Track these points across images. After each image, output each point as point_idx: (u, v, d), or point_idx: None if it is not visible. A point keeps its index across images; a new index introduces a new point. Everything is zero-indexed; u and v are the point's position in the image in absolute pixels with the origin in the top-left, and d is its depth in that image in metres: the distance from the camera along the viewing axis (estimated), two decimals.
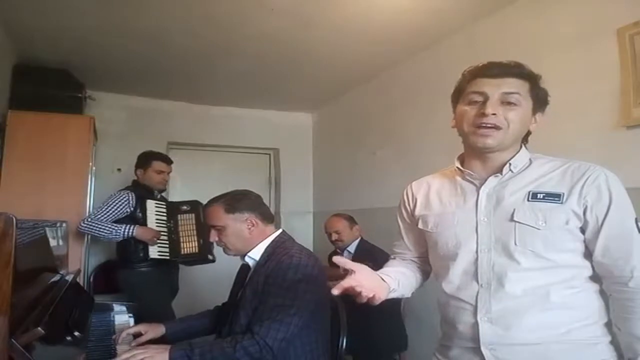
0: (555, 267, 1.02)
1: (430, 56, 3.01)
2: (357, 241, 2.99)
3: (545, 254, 1.02)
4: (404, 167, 3.31)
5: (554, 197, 1.03)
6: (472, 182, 1.14)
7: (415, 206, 1.25)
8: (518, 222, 1.04)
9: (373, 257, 2.77)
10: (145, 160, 3.06)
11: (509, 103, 1.05)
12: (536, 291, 1.02)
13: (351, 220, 3.02)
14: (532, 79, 1.09)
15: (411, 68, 3.26)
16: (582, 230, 1.03)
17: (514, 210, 1.05)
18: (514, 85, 1.06)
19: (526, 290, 1.02)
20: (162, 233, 2.95)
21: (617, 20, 1.90)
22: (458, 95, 1.15)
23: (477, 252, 1.08)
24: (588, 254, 1.04)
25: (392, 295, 1.16)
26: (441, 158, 2.83)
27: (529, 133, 1.13)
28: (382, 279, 1.13)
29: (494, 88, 1.06)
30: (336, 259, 1.08)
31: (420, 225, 1.22)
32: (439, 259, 1.18)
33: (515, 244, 1.03)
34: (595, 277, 1.06)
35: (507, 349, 1.04)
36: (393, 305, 2.73)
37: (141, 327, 1.70)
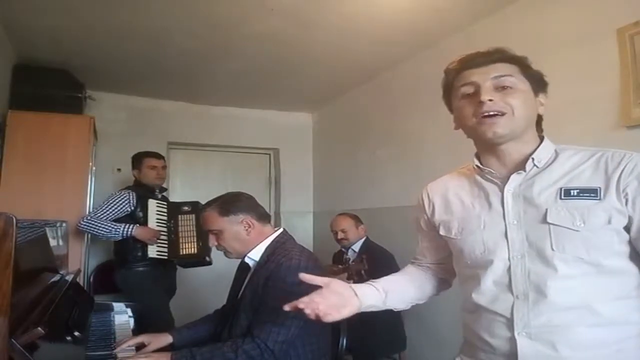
0: (602, 273, 0.91)
1: (430, 56, 3.01)
2: (362, 240, 2.99)
3: (590, 259, 0.90)
4: (404, 167, 3.31)
5: (589, 192, 0.91)
6: (493, 182, 1.03)
7: (433, 211, 1.15)
8: (552, 224, 0.92)
9: (376, 256, 2.78)
10: (137, 160, 3.09)
11: (504, 87, 0.97)
12: (582, 303, 0.90)
13: (357, 220, 3.03)
14: (518, 61, 1.02)
15: (411, 68, 3.26)
16: (628, 229, 0.90)
17: (547, 210, 0.94)
18: (503, 69, 0.99)
19: (571, 301, 0.91)
20: (162, 233, 2.95)
21: (617, 20, 1.90)
22: (448, 94, 1.08)
23: (509, 259, 0.97)
24: (635, 256, 0.92)
25: (370, 310, 1.10)
26: (441, 158, 2.85)
27: (540, 119, 1.04)
28: (356, 294, 1.06)
29: (483, 76, 0.99)
30: (303, 276, 1.05)
31: (442, 232, 1.11)
32: (466, 267, 1.08)
33: (552, 249, 0.92)
34: None
35: None
36: None
37: (145, 338, 1.65)
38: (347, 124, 4.19)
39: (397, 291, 1.15)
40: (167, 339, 1.70)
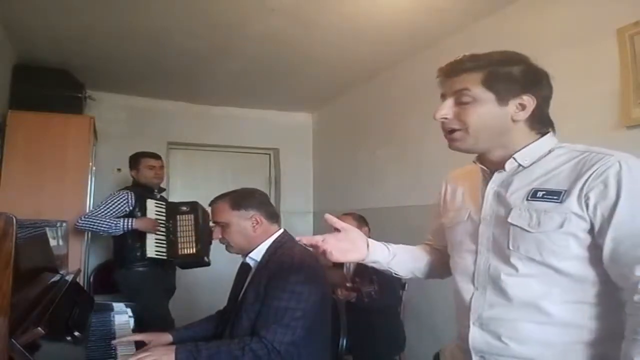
0: (558, 275, 0.91)
1: (430, 56, 3.01)
2: None
3: (542, 260, 0.92)
4: (404, 167, 3.31)
5: (553, 195, 0.92)
6: (485, 178, 1.07)
7: (444, 198, 1.21)
8: (511, 223, 0.95)
9: None
10: (134, 160, 3.09)
11: (463, 103, 0.99)
12: (532, 301, 0.93)
13: (361, 221, 2.91)
14: (487, 66, 0.98)
15: (411, 68, 3.26)
16: (592, 233, 0.89)
17: (511, 210, 0.97)
18: (463, 82, 0.98)
19: (520, 298, 0.94)
20: (161, 233, 2.95)
21: (617, 20, 1.90)
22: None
23: (476, 252, 1.03)
24: (598, 262, 0.90)
25: (373, 264, 1.18)
26: (442, 157, 2.83)
27: (534, 117, 0.99)
28: (367, 246, 1.14)
29: (449, 89, 1.01)
30: (327, 217, 1.13)
31: (443, 219, 1.19)
32: (451, 255, 1.15)
33: (509, 247, 0.96)
34: (608, 291, 0.91)
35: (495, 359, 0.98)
36: (392, 306, 2.73)
37: (145, 336, 1.65)
38: (347, 124, 4.19)
39: (404, 259, 1.22)
40: (166, 338, 1.69)
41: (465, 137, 0.99)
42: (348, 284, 2.59)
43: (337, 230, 1.11)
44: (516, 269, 0.94)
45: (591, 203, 0.88)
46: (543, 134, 1.01)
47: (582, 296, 0.91)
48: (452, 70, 1.01)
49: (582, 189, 0.89)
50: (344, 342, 1.78)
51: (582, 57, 2.06)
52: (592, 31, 2.02)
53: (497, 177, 1.03)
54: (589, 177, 0.88)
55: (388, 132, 3.53)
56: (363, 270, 2.63)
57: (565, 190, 0.91)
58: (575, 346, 0.91)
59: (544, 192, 0.94)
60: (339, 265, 3.02)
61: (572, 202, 0.89)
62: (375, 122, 3.72)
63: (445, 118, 1.01)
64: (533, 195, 0.95)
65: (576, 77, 2.08)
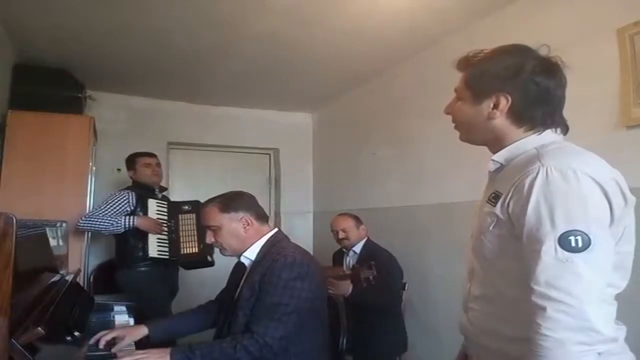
0: (502, 274, 0.96)
1: (430, 56, 3.01)
2: (363, 241, 2.93)
3: (486, 258, 0.98)
4: (404, 167, 3.31)
5: (495, 199, 0.95)
6: None
7: None
8: (473, 224, 1.04)
9: (378, 258, 2.77)
10: (130, 161, 3.10)
11: (457, 99, 1.06)
12: (488, 296, 1.00)
13: (357, 220, 2.97)
14: (474, 65, 1.02)
15: (411, 68, 3.26)
16: (516, 237, 0.91)
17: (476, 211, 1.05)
18: (460, 79, 1.06)
19: (481, 292, 1.02)
20: (163, 232, 2.93)
21: (617, 20, 1.90)
22: None
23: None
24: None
25: None
26: (443, 157, 2.85)
27: (515, 116, 0.98)
28: None
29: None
30: None
31: None
32: None
33: (473, 245, 1.04)
34: None
35: (471, 344, 1.08)
36: (393, 307, 2.72)
37: (119, 332, 1.66)
38: (347, 124, 4.19)
39: None
40: (141, 331, 1.70)
41: (460, 130, 1.07)
42: (346, 272, 2.60)
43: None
44: (478, 264, 1.02)
45: (511, 208, 0.91)
46: (537, 132, 0.98)
47: (521, 295, 0.88)
48: (458, 68, 1.07)
49: (507, 193, 0.92)
50: (344, 342, 1.78)
51: (582, 57, 2.06)
52: (592, 31, 2.02)
53: (488, 176, 1.07)
54: (514, 183, 0.90)
55: (388, 132, 3.53)
56: (362, 262, 2.65)
57: (501, 194, 0.94)
58: (514, 341, 0.90)
59: (494, 195, 0.96)
60: (339, 264, 3.03)
61: (498, 205, 0.93)
62: (375, 122, 3.72)
63: (448, 112, 1.08)
64: (489, 197, 0.98)
65: (576, 77, 2.07)
